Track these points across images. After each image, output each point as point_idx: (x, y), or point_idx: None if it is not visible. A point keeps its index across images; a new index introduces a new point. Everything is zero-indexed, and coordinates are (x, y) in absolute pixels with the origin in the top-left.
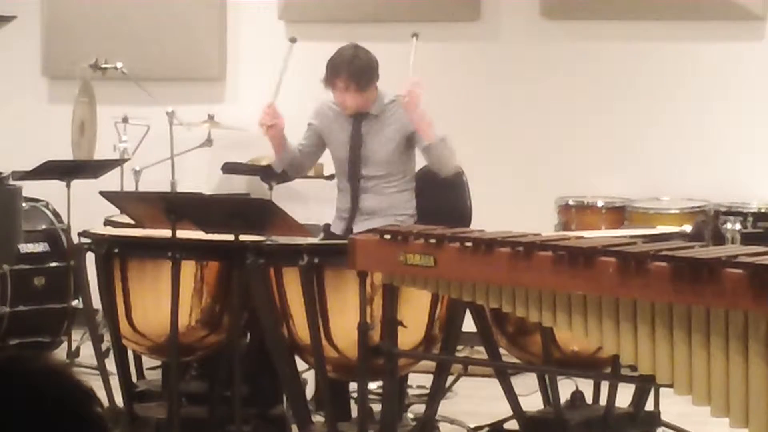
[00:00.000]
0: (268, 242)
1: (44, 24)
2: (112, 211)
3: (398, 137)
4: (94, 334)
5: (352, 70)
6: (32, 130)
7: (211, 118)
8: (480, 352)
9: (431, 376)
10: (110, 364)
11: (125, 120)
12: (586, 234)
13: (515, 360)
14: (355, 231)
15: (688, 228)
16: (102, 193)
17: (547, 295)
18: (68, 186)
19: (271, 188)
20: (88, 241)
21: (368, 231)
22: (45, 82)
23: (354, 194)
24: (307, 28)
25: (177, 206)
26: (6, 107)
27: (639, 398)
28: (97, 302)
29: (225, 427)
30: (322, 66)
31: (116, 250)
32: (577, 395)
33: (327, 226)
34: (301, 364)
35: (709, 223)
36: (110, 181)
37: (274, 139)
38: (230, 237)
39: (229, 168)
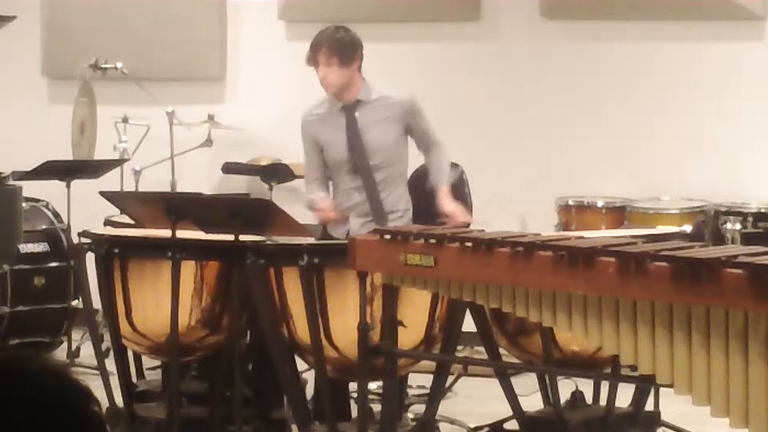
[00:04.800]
0: (268, 242)
1: (44, 24)
2: (112, 211)
3: (399, 124)
4: (94, 334)
5: (333, 44)
6: (32, 130)
7: (211, 118)
8: (480, 352)
9: (431, 376)
10: (110, 364)
11: (125, 120)
12: (586, 234)
13: (515, 360)
14: None
15: (688, 228)
16: (102, 193)
17: (547, 295)
18: (68, 186)
19: (271, 188)
20: (88, 241)
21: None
22: (45, 82)
23: (371, 192)
24: (307, 28)
25: (177, 206)
26: (6, 107)
27: (639, 398)
28: (97, 302)
29: (225, 427)
30: None
31: (116, 250)
32: (577, 395)
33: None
34: (301, 364)
35: (709, 223)
36: (110, 181)
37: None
38: (230, 237)
39: (229, 168)
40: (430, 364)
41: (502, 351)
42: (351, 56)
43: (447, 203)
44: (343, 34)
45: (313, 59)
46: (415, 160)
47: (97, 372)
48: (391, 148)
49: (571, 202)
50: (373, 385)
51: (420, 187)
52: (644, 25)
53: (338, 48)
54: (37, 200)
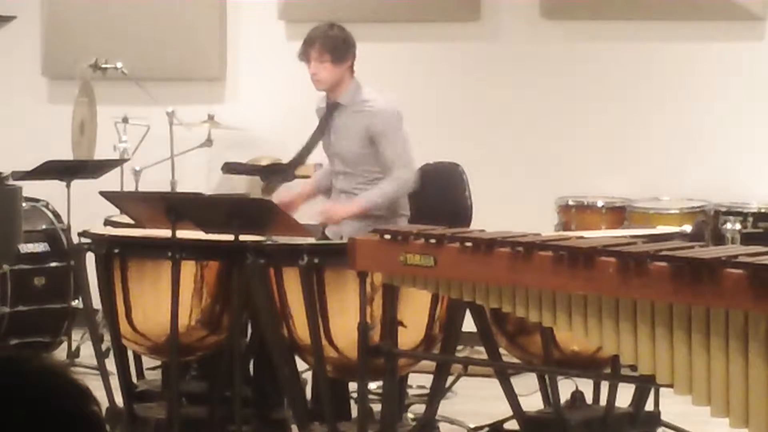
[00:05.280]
0: (268, 242)
1: (44, 24)
2: (112, 211)
3: (363, 134)
4: (94, 334)
5: (327, 41)
6: (32, 130)
7: (211, 118)
8: (480, 352)
9: (431, 376)
10: (110, 364)
11: (125, 120)
12: (586, 234)
13: (515, 360)
14: (343, 234)
15: (688, 228)
16: (102, 193)
17: (547, 295)
18: (68, 186)
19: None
20: (88, 241)
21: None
22: (45, 82)
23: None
24: (307, 28)
25: (177, 206)
26: (6, 107)
27: (639, 398)
28: (97, 302)
29: (225, 427)
30: None
31: (116, 250)
32: (577, 395)
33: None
34: (301, 364)
35: (709, 223)
36: (110, 181)
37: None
38: (230, 237)
39: (229, 168)
40: (430, 364)
41: (502, 351)
42: (344, 54)
43: (337, 207)
44: (338, 32)
45: (305, 54)
46: (416, 160)
47: (97, 372)
48: (354, 156)
49: (571, 202)
50: (373, 385)
51: (425, 186)
52: (644, 25)
53: (332, 45)
54: (37, 200)
